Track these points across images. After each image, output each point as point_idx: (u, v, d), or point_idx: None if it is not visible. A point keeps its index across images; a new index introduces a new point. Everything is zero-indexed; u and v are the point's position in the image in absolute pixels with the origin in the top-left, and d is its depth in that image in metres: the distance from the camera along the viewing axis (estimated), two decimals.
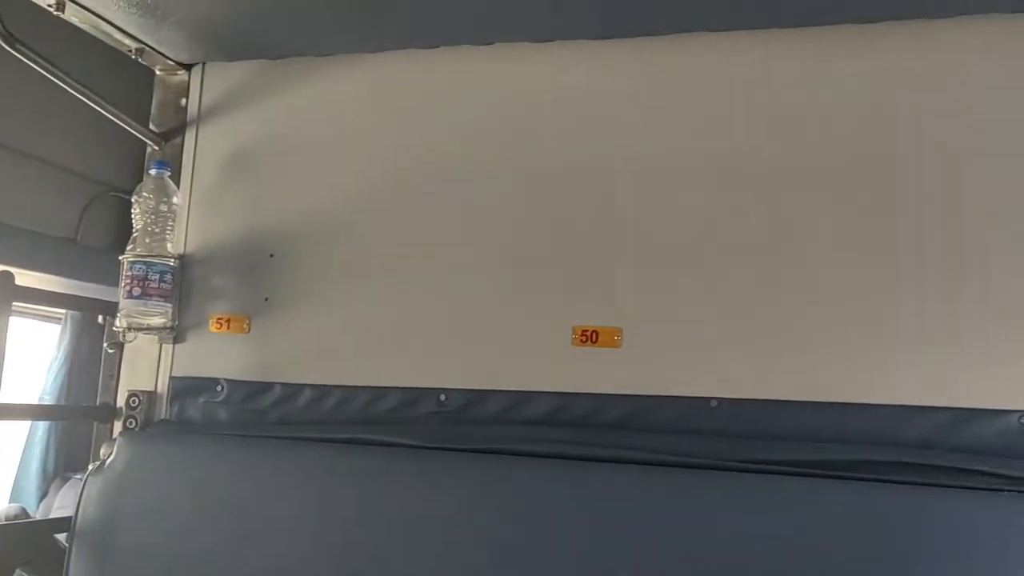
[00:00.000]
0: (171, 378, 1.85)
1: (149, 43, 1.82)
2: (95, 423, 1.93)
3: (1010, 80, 1.47)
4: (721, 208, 1.59)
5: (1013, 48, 1.48)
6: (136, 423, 1.85)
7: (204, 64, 1.92)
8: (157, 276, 1.78)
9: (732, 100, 1.61)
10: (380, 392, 1.71)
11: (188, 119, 1.93)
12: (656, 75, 1.66)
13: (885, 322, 1.47)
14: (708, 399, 1.54)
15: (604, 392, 1.59)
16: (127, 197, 1.86)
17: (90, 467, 1.79)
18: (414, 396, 1.69)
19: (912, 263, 1.48)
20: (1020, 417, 1.39)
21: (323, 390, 1.74)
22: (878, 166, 1.52)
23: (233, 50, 1.86)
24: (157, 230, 1.82)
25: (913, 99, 1.52)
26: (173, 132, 1.93)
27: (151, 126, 1.94)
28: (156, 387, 1.86)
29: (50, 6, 1.63)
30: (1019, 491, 1.31)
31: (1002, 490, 1.32)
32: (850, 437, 1.45)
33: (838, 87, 1.56)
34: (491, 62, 1.75)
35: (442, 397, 1.68)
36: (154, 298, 1.78)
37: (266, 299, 1.81)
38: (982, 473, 1.34)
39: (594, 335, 1.62)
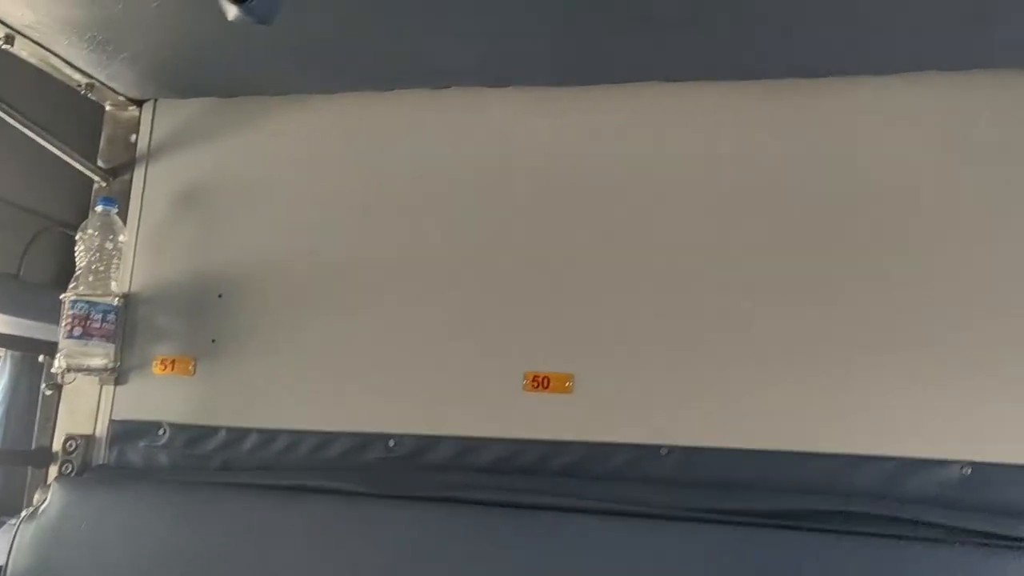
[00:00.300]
0: (111, 421, 1.79)
1: (100, 78, 1.79)
2: (29, 468, 1.86)
3: (952, 133, 1.52)
4: (673, 255, 1.60)
5: (950, 102, 1.52)
6: (72, 468, 1.78)
7: (156, 100, 1.90)
8: (100, 315, 1.74)
9: (683, 150, 1.64)
10: (328, 437, 1.67)
11: (137, 155, 1.90)
12: (609, 123, 1.68)
13: (832, 371, 1.49)
14: (659, 447, 1.53)
15: (555, 439, 1.58)
16: (72, 233, 1.82)
17: (23, 514, 1.72)
18: (363, 441, 1.66)
19: (858, 316, 1.50)
20: (962, 468, 1.40)
21: (269, 434, 1.70)
22: (828, 221, 1.54)
23: (185, 87, 1.84)
24: (102, 268, 1.78)
25: (860, 152, 1.55)
26: (122, 168, 1.90)
27: (99, 162, 1.91)
28: (95, 431, 1.80)
29: None
30: (962, 543, 1.32)
31: (948, 541, 1.33)
32: (799, 486, 1.45)
33: (792, 138, 1.59)
34: (447, 105, 1.76)
35: (391, 442, 1.65)
36: (96, 338, 1.74)
37: (213, 340, 1.78)
38: (926, 524, 1.35)
39: (545, 381, 1.62)
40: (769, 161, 1.59)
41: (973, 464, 1.40)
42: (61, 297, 1.74)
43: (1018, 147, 1.48)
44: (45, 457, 1.82)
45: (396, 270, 1.71)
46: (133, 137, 1.90)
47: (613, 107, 1.68)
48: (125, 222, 1.84)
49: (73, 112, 1.88)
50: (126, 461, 1.77)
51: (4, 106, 1.64)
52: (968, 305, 1.46)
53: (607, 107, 1.68)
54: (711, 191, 1.61)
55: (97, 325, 1.73)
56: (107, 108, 1.92)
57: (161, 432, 1.76)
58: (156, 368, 1.79)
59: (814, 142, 1.57)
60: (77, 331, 1.72)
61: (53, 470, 1.81)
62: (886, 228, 1.52)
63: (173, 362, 1.78)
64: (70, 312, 1.72)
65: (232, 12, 1.10)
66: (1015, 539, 1.31)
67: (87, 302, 1.73)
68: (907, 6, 1.33)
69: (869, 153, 1.55)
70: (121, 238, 1.80)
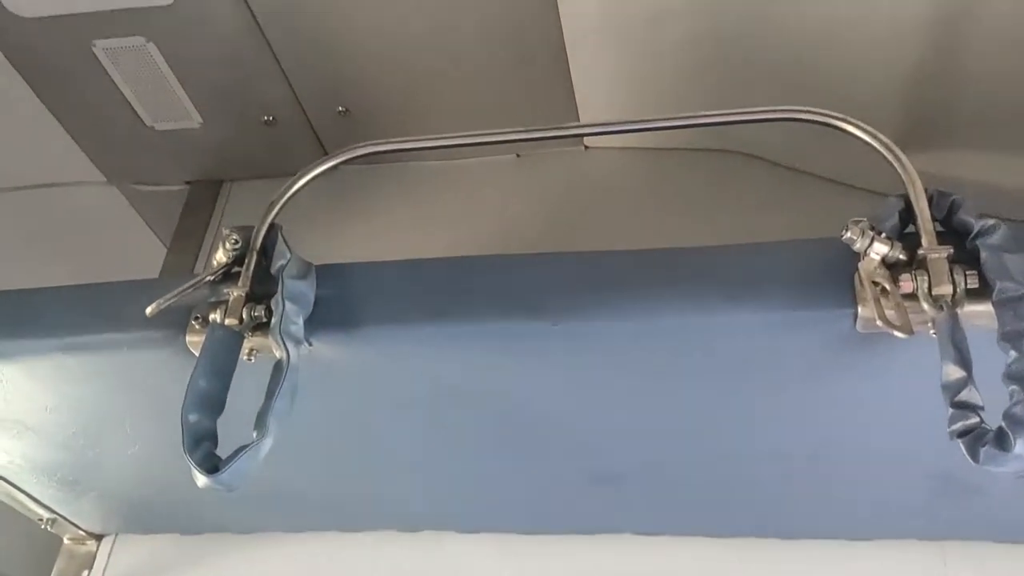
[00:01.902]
0: None
1: (63, 514, 1.75)
2: None
3: None
4: None
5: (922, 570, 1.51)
6: None
7: (116, 535, 1.85)
8: None
9: None
10: None
11: None
12: (576, 571, 1.63)
13: None
14: None
15: None
16: None
17: None
18: None
19: None
20: None
21: None
22: None
23: (150, 523, 1.80)
24: None
25: None
26: None
27: None
28: None
29: None
30: None
31: None
32: None
33: None
34: (415, 549, 1.71)
35: None
36: None
37: None
38: None
39: None
40: None
41: None
42: None
43: None
44: None
45: None
46: (86, 573, 1.82)
47: (582, 556, 1.64)
48: None
49: (24, 543, 1.82)
50: None
51: None
52: None
53: (576, 556, 1.64)
54: None
55: None
56: (65, 541, 1.85)
57: None
58: None
59: None
60: None
61: None
62: None
63: None
64: None
65: (201, 481, 1.09)
66: None
67: None
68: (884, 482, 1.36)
69: None
70: None
